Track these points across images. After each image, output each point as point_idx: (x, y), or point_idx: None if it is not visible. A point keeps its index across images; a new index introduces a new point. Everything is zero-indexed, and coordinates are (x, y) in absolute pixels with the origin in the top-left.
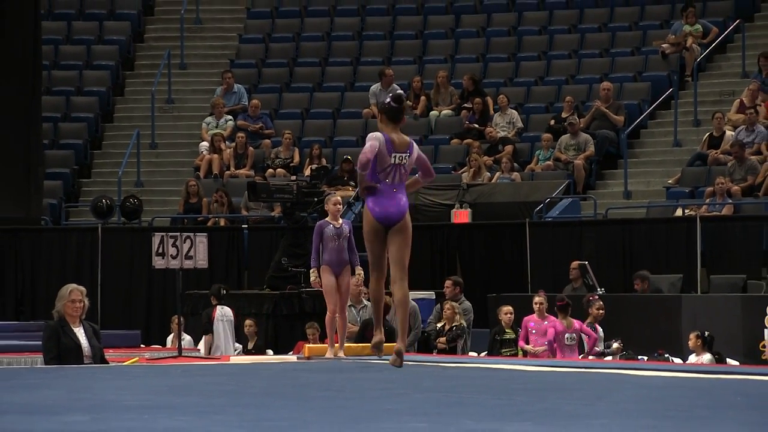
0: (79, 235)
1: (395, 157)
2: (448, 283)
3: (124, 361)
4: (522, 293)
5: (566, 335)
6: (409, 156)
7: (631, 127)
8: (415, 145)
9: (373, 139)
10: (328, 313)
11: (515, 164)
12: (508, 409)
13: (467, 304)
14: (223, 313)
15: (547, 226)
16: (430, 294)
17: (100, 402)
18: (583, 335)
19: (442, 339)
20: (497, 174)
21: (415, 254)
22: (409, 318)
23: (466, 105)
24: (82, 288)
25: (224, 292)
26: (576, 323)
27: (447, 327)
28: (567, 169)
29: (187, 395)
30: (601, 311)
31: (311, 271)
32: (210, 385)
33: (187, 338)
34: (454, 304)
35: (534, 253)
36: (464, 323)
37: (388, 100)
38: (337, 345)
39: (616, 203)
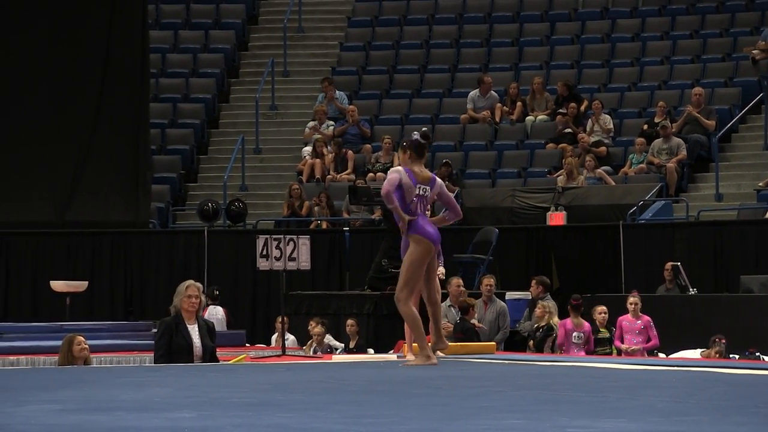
0: (185, 238)
1: (419, 188)
2: (533, 282)
3: (230, 360)
4: (616, 293)
5: (574, 333)
6: (431, 189)
7: (722, 132)
8: (438, 180)
9: (394, 173)
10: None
11: (607, 167)
12: (602, 406)
13: (551, 303)
14: (215, 312)
15: (640, 228)
16: (526, 294)
17: (207, 399)
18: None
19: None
20: (585, 173)
21: (511, 255)
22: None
23: (560, 110)
24: (198, 284)
25: (217, 292)
26: (586, 324)
27: (537, 326)
28: (660, 172)
29: (291, 393)
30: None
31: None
32: (312, 383)
33: (290, 338)
34: (545, 303)
35: (627, 255)
36: (553, 323)
37: (416, 136)
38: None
39: (708, 206)
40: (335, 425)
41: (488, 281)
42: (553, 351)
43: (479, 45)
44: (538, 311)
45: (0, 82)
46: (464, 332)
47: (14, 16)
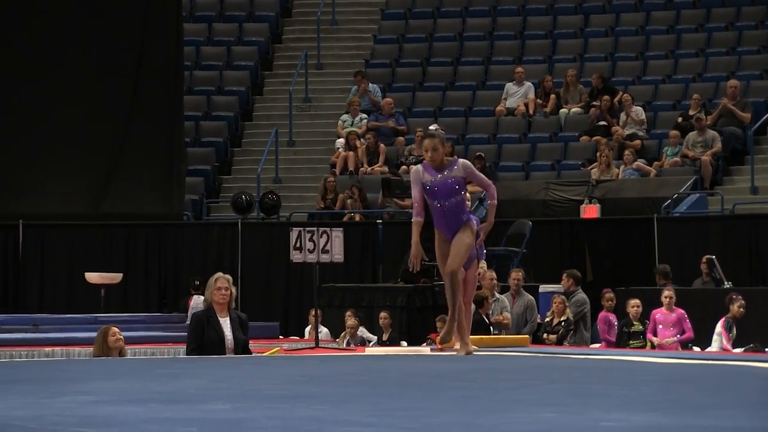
0: (219, 230)
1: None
2: (564, 276)
3: (264, 352)
4: (650, 287)
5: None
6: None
7: (758, 124)
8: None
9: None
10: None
11: (641, 160)
12: (636, 399)
13: (581, 296)
14: (199, 302)
15: (675, 221)
16: (559, 287)
17: (240, 391)
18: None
19: (552, 336)
20: (621, 167)
21: (545, 248)
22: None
23: (594, 103)
24: (228, 276)
25: (197, 282)
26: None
27: (555, 321)
28: (694, 165)
29: (324, 385)
30: (742, 310)
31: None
32: (346, 375)
33: (324, 330)
34: (563, 297)
35: (662, 248)
36: (571, 317)
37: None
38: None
39: (743, 199)
40: (368, 418)
41: (516, 275)
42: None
43: (513, 37)
44: (556, 306)
45: (36, 75)
46: (475, 325)
47: (50, 10)
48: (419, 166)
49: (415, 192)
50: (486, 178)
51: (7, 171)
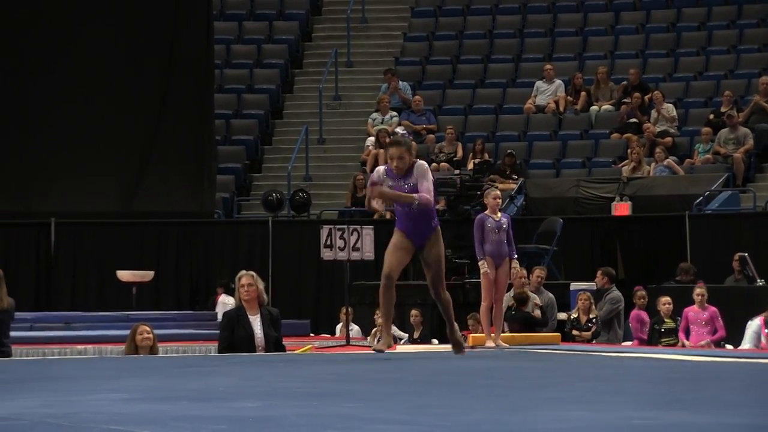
0: (250, 228)
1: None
2: (598, 274)
3: (295, 350)
4: (681, 284)
5: None
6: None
7: None
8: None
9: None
10: (483, 303)
11: (672, 157)
12: (667, 398)
13: (616, 293)
14: (225, 300)
15: (707, 218)
16: (590, 285)
17: (271, 389)
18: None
19: (585, 334)
20: (653, 164)
21: (576, 246)
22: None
23: (625, 100)
24: (251, 272)
25: (224, 281)
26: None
27: (584, 318)
28: (726, 162)
29: (355, 383)
30: None
31: (480, 263)
32: (377, 373)
33: (355, 328)
34: (588, 294)
35: (693, 245)
36: (599, 314)
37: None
38: (493, 334)
39: None
40: (399, 415)
41: (539, 273)
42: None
43: (543, 35)
44: (582, 303)
45: (68, 73)
46: (523, 322)
47: (82, 9)
48: (382, 168)
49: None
50: (429, 187)
51: (40, 170)
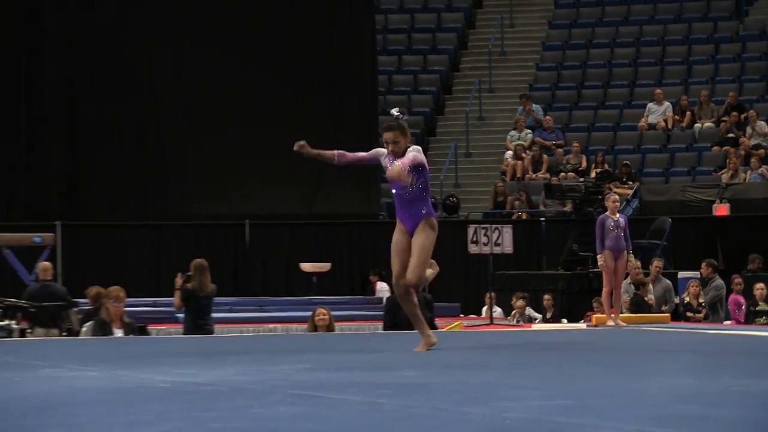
0: None
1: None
2: (703, 264)
3: (444, 328)
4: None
5: None
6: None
7: None
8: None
9: (371, 153)
10: (604, 289)
11: (765, 166)
12: (762, 367)
13: (719, 281)
14: (382, 286)
15: None
16: (695, 273)
17: (427, 361)
18: None
19: (698, 315)
20: (748, 172)
21: (683, 241)
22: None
23: (724, 118)
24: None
25: (383, 273)
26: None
27: (695, 302)
28: None
29: (497, 355)
30: None
31: (598, 256)
32: (515, 347)
33: (498, 310)
34: (697, 281)
35: None
36: (706, 298)
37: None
38: (613, 315)
39: None
40: (533, 382)
41: (657, 264)
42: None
43: (653, 64)
44: (692, 289)
45: (258, 98)
46: (637, 305)
47: (276, 44)
48: (383, 151)
49: (366, 154)
50: (408, 162)
51: (239, 179)
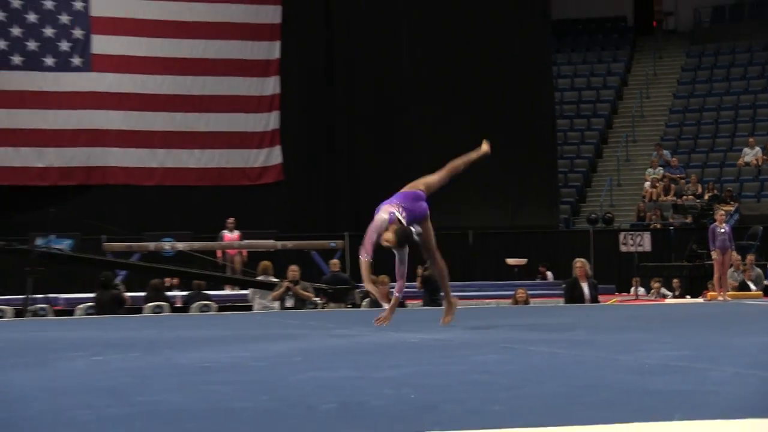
0: (580, 235)
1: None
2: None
3: (607, 301)
4: None
5: None
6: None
7: None
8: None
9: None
10: (715, 275)
11: None
12: None
13: (757, 270)
14: (548, 275)
15: None
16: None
17: (595, 323)
18: None
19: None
20: None
21: None
22: None
23: None
24: (583, 259)
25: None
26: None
27: None
28: None
29: (638, 321)
30: None
31: (712, 252)
32: (652, 316)
33: (641, 290)
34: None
35: None
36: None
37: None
38: (722, 293)
39: None
40: (665, 338)
41: (750, 258)
42: None
43: (747, 121)
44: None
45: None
46: (740, 286)
47: (483, 116)
48: (384, 224)
49: (373, 237)
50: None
51: (460, 198)
